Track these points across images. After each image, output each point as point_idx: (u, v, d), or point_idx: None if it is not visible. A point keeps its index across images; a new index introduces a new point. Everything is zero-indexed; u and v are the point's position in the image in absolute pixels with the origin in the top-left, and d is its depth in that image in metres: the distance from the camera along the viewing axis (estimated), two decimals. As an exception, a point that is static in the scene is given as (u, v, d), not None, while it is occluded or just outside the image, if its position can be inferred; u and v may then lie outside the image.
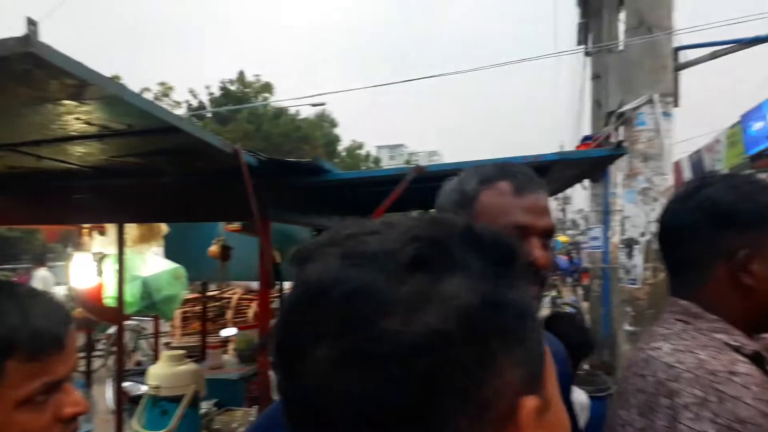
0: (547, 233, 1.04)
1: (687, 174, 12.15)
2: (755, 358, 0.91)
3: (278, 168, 2.38)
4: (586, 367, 6.05)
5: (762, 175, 10.26)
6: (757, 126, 9.97)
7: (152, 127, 1.86)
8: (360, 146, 29.20)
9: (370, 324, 0.40)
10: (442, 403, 0.40)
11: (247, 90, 24.07)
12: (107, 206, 2.77)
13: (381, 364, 0.39)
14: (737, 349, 0.90)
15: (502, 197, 1.03)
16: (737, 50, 4.72)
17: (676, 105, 4.59)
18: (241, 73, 24.24)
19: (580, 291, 15.86)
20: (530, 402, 0.42)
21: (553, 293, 12.71)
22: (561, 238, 24.66)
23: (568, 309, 11.21)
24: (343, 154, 27.14)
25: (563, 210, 29.96)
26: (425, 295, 0.41)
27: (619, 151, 2.49)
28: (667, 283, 1.05)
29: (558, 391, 0.49)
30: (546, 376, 0.47)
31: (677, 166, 12.97)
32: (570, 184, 3.74)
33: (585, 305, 10.77)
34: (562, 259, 19.31)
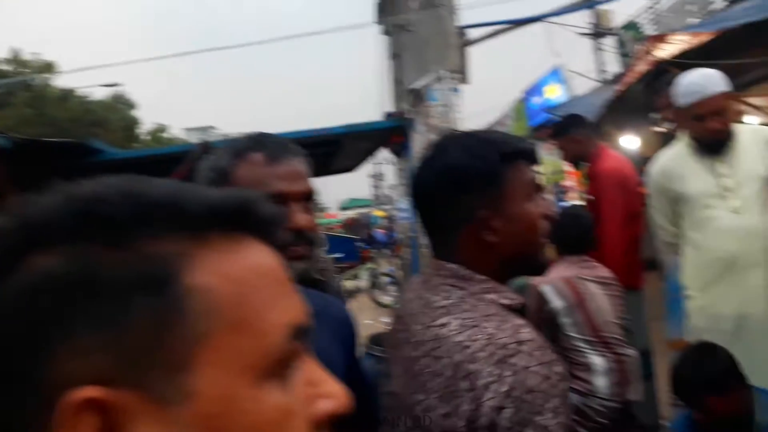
0: (306, 197, 1.06)
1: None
2: (521, 310, 0.98)
3: (40, 150, 2.10)
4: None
5: (543, 144, 11.56)
6: (536, 100, 11.21)
7: None
8: (164, 129, 27.38)
9: None
10: (8, 386, 0.39)
11: (25, 70, 21.21)
12: None
13: None
14: (509, 307, 0.95)
15: (255, 168, 1.03)
16: (512, 29, 5.23)
17: (464, 81, 4.95)
18: (15, 51, 21.30)
19: (397, 261, 16.64)
20: (80, 393, 0.37)
21: (372, 265, 13.18)
22: (378, 212, 25.64)
23: (386, 279, 11.70)
24: (147, 137, 25.25)
25: (377, 186, 31.18)
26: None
27: (399, 122, 2.60)
28: (430, 245, 1.08)
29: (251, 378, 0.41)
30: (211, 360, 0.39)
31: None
32: (366, 157, 3.86)
33: (401, 274, 11.32)
34: (380, 233, 20.11)
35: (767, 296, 2.28)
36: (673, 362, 2.12)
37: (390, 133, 3.00)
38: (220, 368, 0.40)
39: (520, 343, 0.85)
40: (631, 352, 2.61)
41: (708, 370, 1.93)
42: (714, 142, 2.39)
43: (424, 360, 0.91)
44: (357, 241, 15.05)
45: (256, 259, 0.45)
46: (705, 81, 2.36)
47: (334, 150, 2.71)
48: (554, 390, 0.82)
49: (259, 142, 1.07)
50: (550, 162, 11.46)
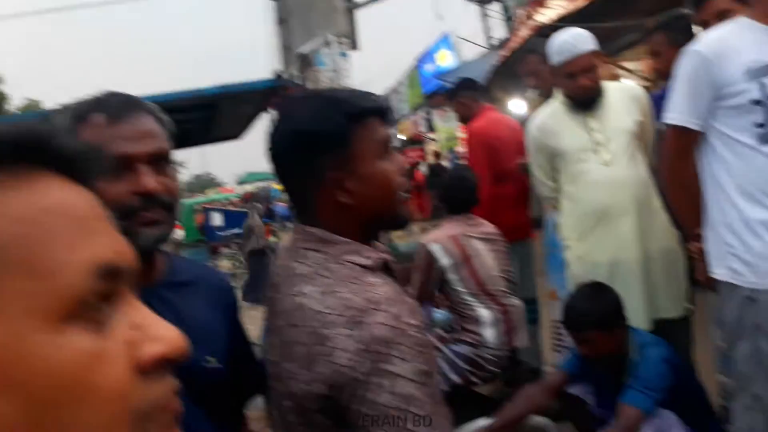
0: (158, 158, 0.98)
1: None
2: (384, 268, 0.98)
3: None
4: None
5: (437, 111, 11.77)
6: (428, 68, 11.37)
7: None
8: (37, 105, 25.15)
9: None
10: None
11: None
12: None
13: None
14: (369, 267, 0.95)
15: (96, 130, 0.94)
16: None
17: (354, 46, 4.89)
18: None
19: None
20: None
21: (274, 239, 13.00)
22: (278, 186, 25.25)
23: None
24: (17, 113, 23.11)
25: (276, 158, 30.60)
26: None
27: (275, 82, 2.53)
28: (293, 210, 1.07)
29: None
30: None
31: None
32: (249, 123, 3.72)
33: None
34: (280, 206, 19.82)
35: (637, 243, 2.44)
36: (565, 301, 2.24)
37: (269, 95, 2.88)
38: (4, 312, 0.37)
39: (371, 301, 0.86)
40: (515, 302, 2.74)
41: (599, 307, 2.07)
42: (585, 99, 2.51)
43: (288, 329, 0.92)
44: (256, 216, 14.72)
45: (53, 196, 0.41)
46: (575, 40, 2.46)
47: (211, 115, 2.58)
48: (405, 339, 0.83)
49: (101, 102, 0.98)
50: (444, 128, 11.73)
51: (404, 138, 11.09)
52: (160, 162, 0.98)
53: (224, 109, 2.37)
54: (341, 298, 0.87)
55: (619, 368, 2.09)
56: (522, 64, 3.37)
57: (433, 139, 12.47)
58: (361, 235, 0.99)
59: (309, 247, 0.97)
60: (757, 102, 1.70)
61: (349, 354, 0.83)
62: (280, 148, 1.00)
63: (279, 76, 2.61)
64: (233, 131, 3.42)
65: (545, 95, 2.89)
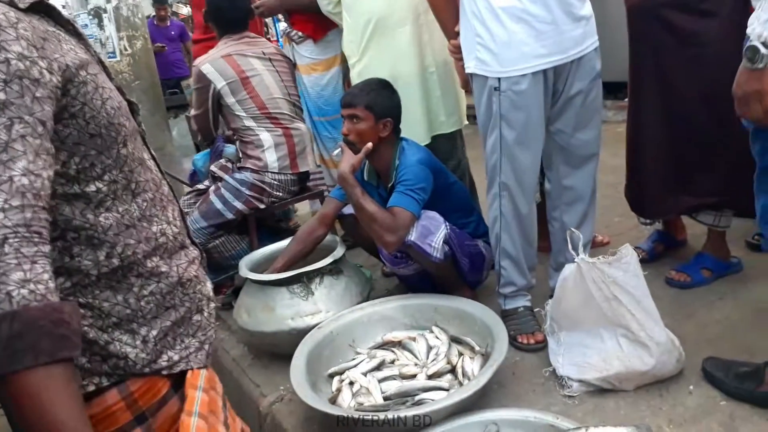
0: None
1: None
2: (40, 10, 0.86)
3: None
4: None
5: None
6: None
7: None
8: None
9: None
10: None
11: None
12: None
13: None
14: (12, 4, 0.82)
15: None
16: None
17: None
18: None
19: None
20: None
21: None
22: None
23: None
24: None
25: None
26: None
27: None
28: None
29: None
30: None
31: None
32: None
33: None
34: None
35: (415, 56, 2.40)
36: None
37: None
38: None
39: None
40: (300, 126, 2.65)
41: (376, 91, 2.08)
42: None
43: None
44: None
45: None
46: None
47: None
48: None
49: None
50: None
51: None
52: None
53: None
54: None
55: (387, 177, 2.12)
56: None
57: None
58: None
59: None
60: None
61: None
62: None
63: None
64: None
65: None
